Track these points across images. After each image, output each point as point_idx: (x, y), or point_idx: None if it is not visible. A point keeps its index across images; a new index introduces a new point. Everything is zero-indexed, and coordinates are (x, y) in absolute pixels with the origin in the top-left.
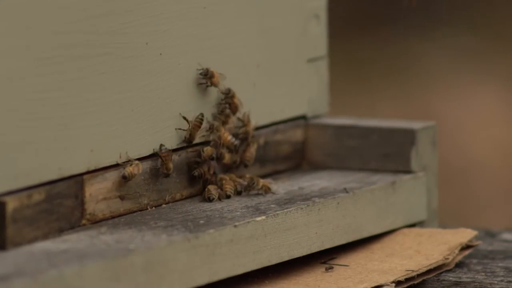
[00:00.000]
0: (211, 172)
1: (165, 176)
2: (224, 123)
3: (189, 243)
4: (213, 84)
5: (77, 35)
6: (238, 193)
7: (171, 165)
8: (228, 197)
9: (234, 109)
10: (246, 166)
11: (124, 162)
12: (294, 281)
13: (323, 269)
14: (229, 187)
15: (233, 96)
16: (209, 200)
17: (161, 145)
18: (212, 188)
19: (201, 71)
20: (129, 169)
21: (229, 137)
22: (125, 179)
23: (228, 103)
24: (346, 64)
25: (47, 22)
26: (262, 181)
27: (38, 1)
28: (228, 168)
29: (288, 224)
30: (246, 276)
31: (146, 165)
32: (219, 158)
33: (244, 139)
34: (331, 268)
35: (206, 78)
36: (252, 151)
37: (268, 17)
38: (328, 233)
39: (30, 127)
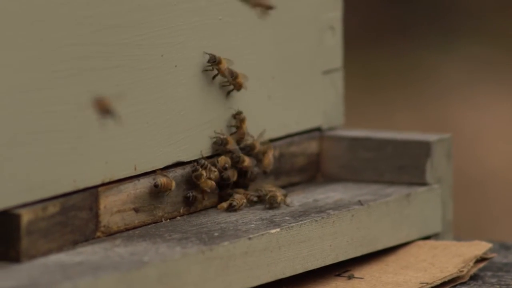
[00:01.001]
0: (233, 179)
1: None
2: (238, 128)
3: (203, 256)
4: (220, 72)
5: (91, 47)
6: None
7: (205, 197)
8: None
9: (238, 87)
10: (265, 173)
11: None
12: None
13: (346, 278)
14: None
15: (236, 77)
16: (231, 207)
17: (186, 195)
18: (238, 197)
19: (208, 57)
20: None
21: (248, 162)
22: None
23: (232, 84)
24: (361, 75)
25: (61, 34)
26: (280, 196)
27: (52, 13)
28: (246, 178)
29: (302, 237)
30: None
31: None
32: (238, 162)
33: (248, 152)
34: (352, 276)
35: (213, 65)
36: (270, 157)
37: (283, 29)
38: (343, 246)
39: (45, 140)
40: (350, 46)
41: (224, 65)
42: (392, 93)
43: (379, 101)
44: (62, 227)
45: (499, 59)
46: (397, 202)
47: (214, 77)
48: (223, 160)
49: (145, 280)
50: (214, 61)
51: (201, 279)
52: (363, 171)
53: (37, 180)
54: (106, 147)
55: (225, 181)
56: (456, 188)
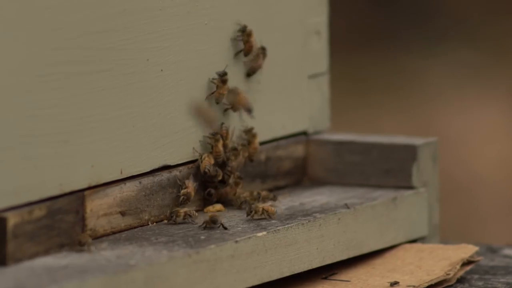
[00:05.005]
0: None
1: (184, 201)
2: (249, 143)
3: (190, 259)
4: (249, 44)
5: (77, 52)
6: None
7: (192, 194)
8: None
9: (248, 48)
10: (252, 161)
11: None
12: None
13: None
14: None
15: (249, 34)
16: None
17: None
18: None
19: (239, 27)
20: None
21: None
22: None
23: (244, 41)
24: (348, 79)
25: (47, 39)
26: (261, 206)
27: (37, 18)
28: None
29: (289, 240)
30: None
31: (147, 181)
32: (224, 162)
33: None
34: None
35: (243, 35)
36: (255, 145)
37: (269, 33)
38: (329, 249)
39: (31, 143)
40: (336, 50)
41: (254, 39)
42: (378, 97)
43: (365, 105)
44: (48, 231)
45: (485, 64)
46: (383, 206)
47: (240, 51)
48: (205, 163)
49: (132, 283)
50: (243, 31)
51: (188, 283)
52: (349, 175)
53: (23, 183)
54: (93, 151)
55: (210, 179)
56: (442, 191)
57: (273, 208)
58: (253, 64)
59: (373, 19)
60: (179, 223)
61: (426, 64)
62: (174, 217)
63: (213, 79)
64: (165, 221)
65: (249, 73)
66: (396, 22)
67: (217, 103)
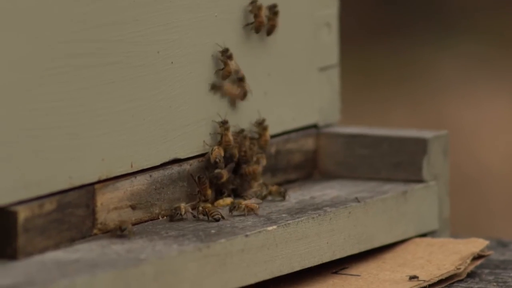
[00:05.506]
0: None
1: (204, 201)
2: (260, 135)
3: (200, 253)
4: (259, 20)
5: (86, 44)
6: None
7: (209, 192)
8: (217, 220)
9: (258, 24)
10: (264, 150)
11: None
12: None
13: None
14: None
15: (260, 8)
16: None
17: (199, 176)
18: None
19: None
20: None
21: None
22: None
23: (254, 15)
24: (358, 72)
25: (56, 31)
26: (244, 203)
27: (47, 10)
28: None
29: (299, 234)
30: (257, 286)
31: (157, 174)
32: (232, 156)
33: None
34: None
35: (254, 7)
36: (267, 136)
37: (280, 25)
38: (340, 243)
39: (41, 137)
40: (347, 43)
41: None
42: (389, 90)
43: (375, 98)
44: (58, 224)
45: (495, 56)
46: (393, 199)
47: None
48: (215, 153)
49: (142, 277)
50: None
51: (198, 277)
52: (359, 168)
53: (33, 177)
54: (102, 144)
55: (216, 179)
56: (452, 185)
57: (256, 205)
58: (269, 26)
59: (383, 13)
60: (180, 220)
61: (436, 57)
62: (179, 213)
63: (220, 57)
64: (168, 217)
65: (268, 33)
66: (405, 15)
67: (224, 79)
